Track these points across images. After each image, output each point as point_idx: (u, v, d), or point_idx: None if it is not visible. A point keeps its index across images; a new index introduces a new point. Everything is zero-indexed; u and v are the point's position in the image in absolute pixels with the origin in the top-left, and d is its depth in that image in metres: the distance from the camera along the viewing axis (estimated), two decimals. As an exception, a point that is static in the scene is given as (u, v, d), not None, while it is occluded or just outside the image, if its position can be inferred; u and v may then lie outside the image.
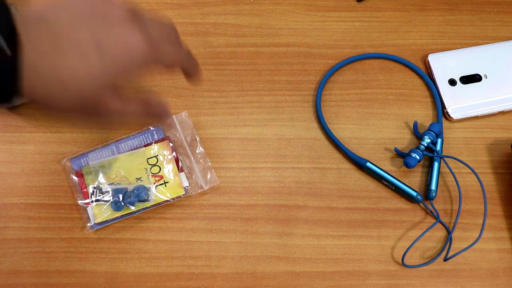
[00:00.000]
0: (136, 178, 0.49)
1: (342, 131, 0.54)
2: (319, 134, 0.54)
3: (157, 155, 0.50)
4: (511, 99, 0.55)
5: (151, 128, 0.51)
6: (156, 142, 0.50)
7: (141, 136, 0.51)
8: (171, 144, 0.50)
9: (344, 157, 0.53)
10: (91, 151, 0.50)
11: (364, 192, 0.51)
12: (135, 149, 0.50)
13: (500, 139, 0.54)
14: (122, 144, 0.50)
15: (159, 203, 0.49)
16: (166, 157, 0.49)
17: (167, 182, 0.49)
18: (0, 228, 0.49)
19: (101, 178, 0.48)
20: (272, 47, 0.57)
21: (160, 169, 0.49)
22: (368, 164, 0.51)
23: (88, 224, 0.48)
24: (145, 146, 0.50)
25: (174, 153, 0.50)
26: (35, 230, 0.49)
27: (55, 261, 0.48)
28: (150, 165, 0.49)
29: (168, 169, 0.49)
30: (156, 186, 0.49)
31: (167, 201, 0.49)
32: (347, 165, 0.52)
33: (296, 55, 0.57)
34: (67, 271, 0.47)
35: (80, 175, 0.49)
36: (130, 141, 0.50)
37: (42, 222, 0.49)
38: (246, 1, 0.59)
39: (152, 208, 0.49)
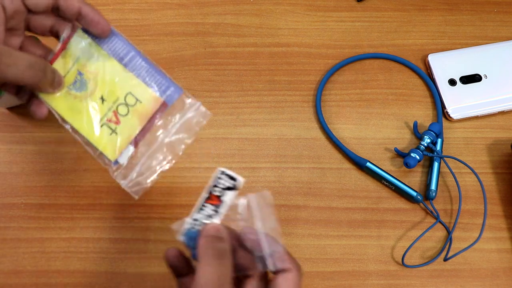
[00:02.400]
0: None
1: (342, 131, 0.54)
2: (319, 134, 0.54)
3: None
4: (511, 99, 0.55)
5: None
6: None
7: None
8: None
9: (344, 157, 0.53)
10: None
11: (364, 192, 0.51)
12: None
13: (500, 139, 0.54)
14: None
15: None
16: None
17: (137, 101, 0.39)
18: (0, 228, 0.49)
19: None
20: (272, 47, 0.57)
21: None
22: (368, 164, 0.51)
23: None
24: None
25: None
26: (35, 230, 0.49)
27: (55, 261, 0.48)
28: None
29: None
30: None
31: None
32: (347, 165, 0.52)
33: (296, 55, 0.57)
34: (67, 271, 0.47)
35: None
36: None
37: (42, 222, 0.49)
38: (246, 1, 0.59)
39: None
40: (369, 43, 0.58)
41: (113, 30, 0.38)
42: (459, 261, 0.49)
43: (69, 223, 0.49)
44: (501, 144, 0.54)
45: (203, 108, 0.39)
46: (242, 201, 0.34)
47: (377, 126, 0.54)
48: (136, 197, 0.38)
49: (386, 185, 0.51)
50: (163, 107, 0.38)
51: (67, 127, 0.39)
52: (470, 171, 0.51)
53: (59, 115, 0.38)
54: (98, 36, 0.37)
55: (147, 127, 0.38)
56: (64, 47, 0.38)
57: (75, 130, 0.39)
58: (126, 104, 0.38)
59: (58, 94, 0.38)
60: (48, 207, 0.49)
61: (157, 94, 0.38)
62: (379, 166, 0.51)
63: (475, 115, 0.54)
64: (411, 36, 0.59)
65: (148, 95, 0.38)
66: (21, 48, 0.37)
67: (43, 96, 0.38)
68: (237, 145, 0.53)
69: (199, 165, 0.52)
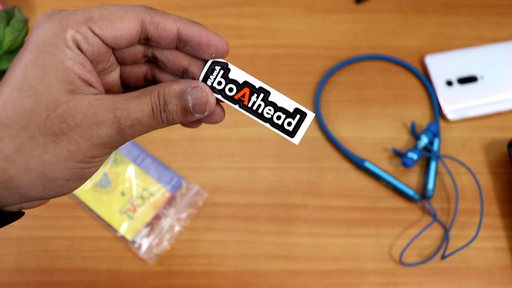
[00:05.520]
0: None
1: (340, 131, 0.54)
2: (318, 134, 0.54)
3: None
4: (508, 99, 0.55)
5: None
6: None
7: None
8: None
9: (343, 157, 0.53)
10: None
11: (362, 191, 0.52)
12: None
13: (497, 139, 0.55)
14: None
15: None
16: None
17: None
18: (4, 227, 0.49)
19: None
20: (272, 48, 0.58)
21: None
22: (367, 163, 0.52)
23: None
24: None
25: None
26: (38, 229, 0.49)
27: (58, 260, 0.48)
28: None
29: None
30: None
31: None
32: (345, 165, 0.53)
33: (296, 56, 0.58)
34: (70, 269, 0.48)
35: None
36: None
37: (45, 221, 0.50)
38: (247, 3, 0.60)
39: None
40: (368, 45, 0.59)
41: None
42: (456, 260, 0.50)
43: (71, 222, 0.50)
44: (498, 144, 0.54)
45: (200, 190, 0.50)
46: None
47: (375, 126, 0.55)
48: (151, 263, 0.48)
49: (384, 185, 0.52)
50: (171, 199, 0.50)
51: (93, 214, 0.49)
52: (467, 170, 0.52)
53: (86, 205, 0.49)
54: (213, 58, 0.27)
55: (159, 213, 0.50)
56: None
57: (99, 217, 0.49)
58: (142, 197, 0.50)
59: (85, 188, 0.50)
60: (51, 206, 0.50)
61: (167, 188, 0.50)
62: (377, 166, 0.52)
63: (472, 115, 0.55)
64: (409, 38, 0.59)
65: (160, 190, 0.50)
66: (123, 75, 0.29)
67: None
68: (237, 145, 0.54)
69: (200, 165, 0.53)
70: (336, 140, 0.53)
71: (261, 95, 0.27)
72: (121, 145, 0.25)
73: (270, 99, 0.26)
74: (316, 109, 0.55)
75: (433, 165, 0.52)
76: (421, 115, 0.55)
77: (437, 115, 0.55)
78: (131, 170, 0.51)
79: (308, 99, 0.56)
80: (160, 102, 0.25)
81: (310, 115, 0.27)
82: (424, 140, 0.52)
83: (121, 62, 0.28)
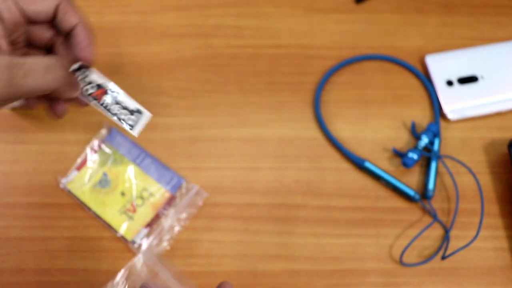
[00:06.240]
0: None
1: (341, 131, 0.54)
2: (318, 134, 0.54)
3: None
4: (508, 99, 0.55)
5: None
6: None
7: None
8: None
9: (343, 157, 0.53)
10: None
11: (362, 191, 0.52)
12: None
13: (497, 139, 0.55)
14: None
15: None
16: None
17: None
18: (4, 227, 0.49)
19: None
20: (271, 48, 0.58)
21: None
22: (367, 163, 0.52)
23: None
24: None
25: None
26: (38, 229, 0.49)
27: (58, 260, 0.48)
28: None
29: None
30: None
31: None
32: (345, 165, 0.53)
33: (296, 56, 0.58)
34: (69, 269, 0.48)
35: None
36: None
37: (45, 221, 0.50)
38: (247, 3, 0.60)
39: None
40: (368, 45, 0.59)
41: (128, 138, 0.45)
42: (456, 260, 0.49)
43: (71, 222, 0.50)
44: (498, 144, 0.54)
45: (200, 190, 0.50)
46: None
47: (375, 127, 0.55)
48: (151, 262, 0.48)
49: (384, 185, 0.52)
50: (171, 199, 0.50)
51: (93, 214, 0.49)
52: (467, 170, 0.52)
53: (86, 205, 0.49)
54: (78, 59, 0.35)
55: (159, 214, 0.49)
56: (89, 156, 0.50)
57: (99, 217, 0.49)
58: (142, 197, 0.50)
59: (85, 188, 0.50)
60: (51, 207, 0.50)
61: (167, 188, 0.50)
62: (378, 166, 0.52)
63: (472, 115, 0.55)
64: (409, 38, 0.59)
65: (160, 190, 0.50)
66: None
67: (73, 190, 0.49)
68: (237, 145, 0.54)
69: (200, 165, 0.53)
70: (336, 140, 0.53)
71: (112, 95, 0.35)
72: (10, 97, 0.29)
73: (118, 99, 0.35)
74: (316, 109, 0.55)
75: (433, 165, 0.52)
76: (421, 115, 0.55)
77: (438, 115, 0.55)
78: (131, 170, 0.51)
79: (308, 99, 0.56)
80: (59, 62, 0.32)
81: (146, 114, 0.35)
82: (424, 140, 0.52)
83: (29, 43, 0.35)
